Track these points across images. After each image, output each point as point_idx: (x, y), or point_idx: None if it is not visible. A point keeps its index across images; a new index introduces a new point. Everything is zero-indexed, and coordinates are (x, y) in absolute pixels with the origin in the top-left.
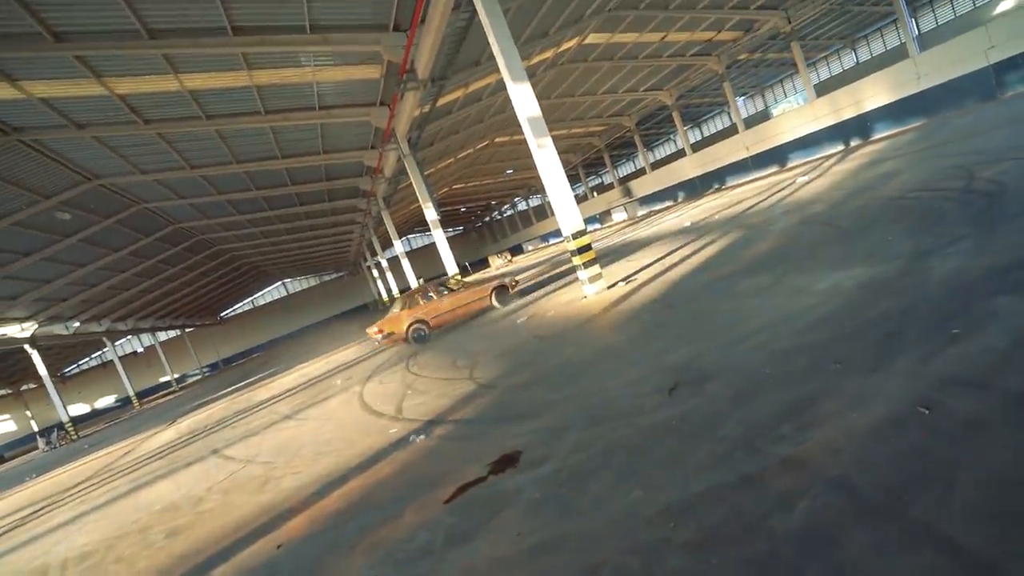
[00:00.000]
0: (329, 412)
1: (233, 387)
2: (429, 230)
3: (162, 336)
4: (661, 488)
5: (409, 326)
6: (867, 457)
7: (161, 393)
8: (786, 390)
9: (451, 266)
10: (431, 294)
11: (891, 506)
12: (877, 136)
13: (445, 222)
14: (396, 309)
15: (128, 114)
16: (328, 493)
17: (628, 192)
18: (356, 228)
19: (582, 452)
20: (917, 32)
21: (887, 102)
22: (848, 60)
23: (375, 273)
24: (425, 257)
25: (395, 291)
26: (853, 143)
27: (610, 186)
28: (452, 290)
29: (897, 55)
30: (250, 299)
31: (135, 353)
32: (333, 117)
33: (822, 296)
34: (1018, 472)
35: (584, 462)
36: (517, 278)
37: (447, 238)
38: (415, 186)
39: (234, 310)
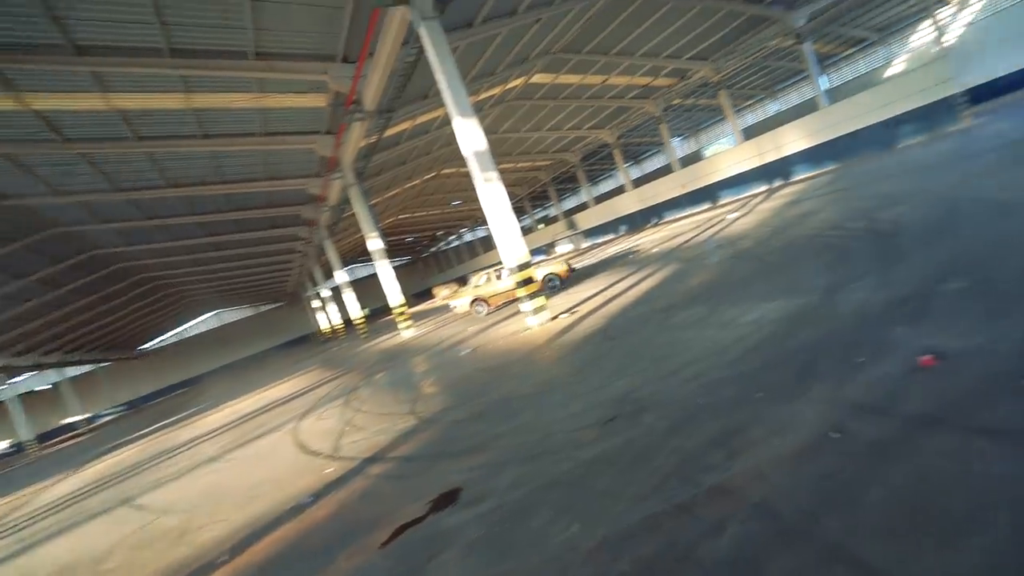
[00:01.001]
0: (261, 452)
1: (153, 427)
2: (372, 259)
3: (71, 372)
4: (599, 521)
5: (472, 301)
6: (787, 481)
7: (68, 435)
8: (716, 420)
9: (395, 296)
10: (488, 279)
11: (807, 528)
12: (797, 178)
13: (391, 252)
14: (465, 287)
15: (46, 132)
16: (254, 543)
17: (573, 225)
18: (297, 257)
19: (522, 487)
20: (828, 86)
21: (804, 148)
22: (771, 108)
23: (316, 303)
24: (369, 287)
25: (337, 322)
26: (776, 183)
27: (556, 218)
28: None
29: (812, 106)
30: (177, 331)
31: (33, 392)
32: (276, 144)
33: (749, 328)
34: (917, 491)
35: (523, 498)
36: (572, 263)
37: (393, 268)
38: (359, 216)
39: (159, 343)
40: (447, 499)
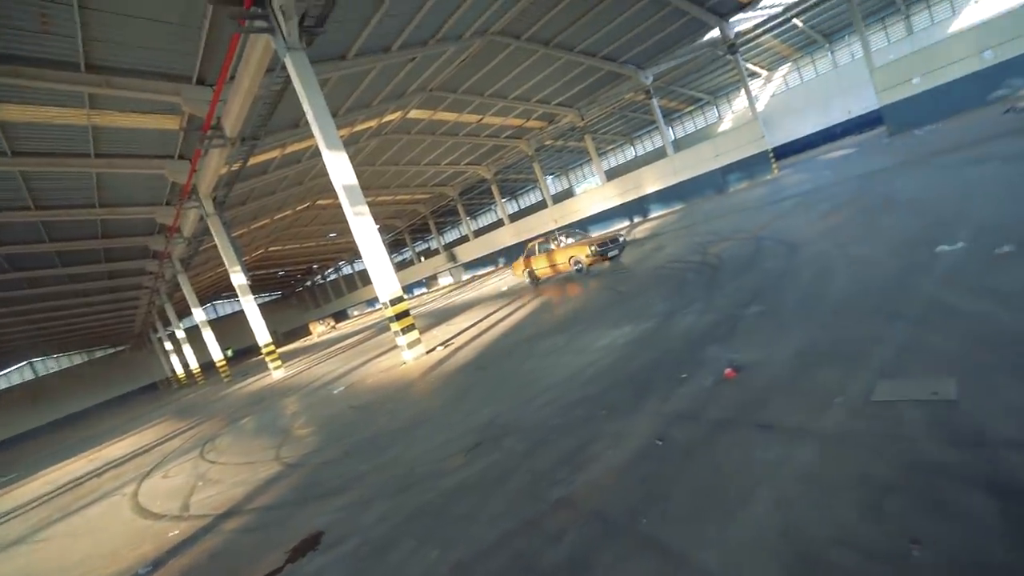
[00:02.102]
0: (86, 524)
1: None
2: (238, 295)
3: None
4: (457, 545)
5: (524, 271)
6: (618, 487)
7: None
8: (566, 438)
9: (262, 335)
10: (542, 247)
11: (630, 524)
12: (652, 215)
13: (260, 286)
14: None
15: None
16: None
17: (453, 257)
18: (144, 294)
19: (386, 522)
20: (675, 137)
21: (657, 189)
22: (631, 152)
23: (168, 346)
24: (234, 325)
25: (194, 365)
26: (636, 220)
27: (436, 251)
28: (550, 251)
29: (663, 153)
30: None
31: None
32: (116, 167)
33: (600, 353)
34: (711, 480)
35: (387, 532)
36: (605, 245)
37: (262, 304)
38: (220, 248)
39: None
40: (309, 544)
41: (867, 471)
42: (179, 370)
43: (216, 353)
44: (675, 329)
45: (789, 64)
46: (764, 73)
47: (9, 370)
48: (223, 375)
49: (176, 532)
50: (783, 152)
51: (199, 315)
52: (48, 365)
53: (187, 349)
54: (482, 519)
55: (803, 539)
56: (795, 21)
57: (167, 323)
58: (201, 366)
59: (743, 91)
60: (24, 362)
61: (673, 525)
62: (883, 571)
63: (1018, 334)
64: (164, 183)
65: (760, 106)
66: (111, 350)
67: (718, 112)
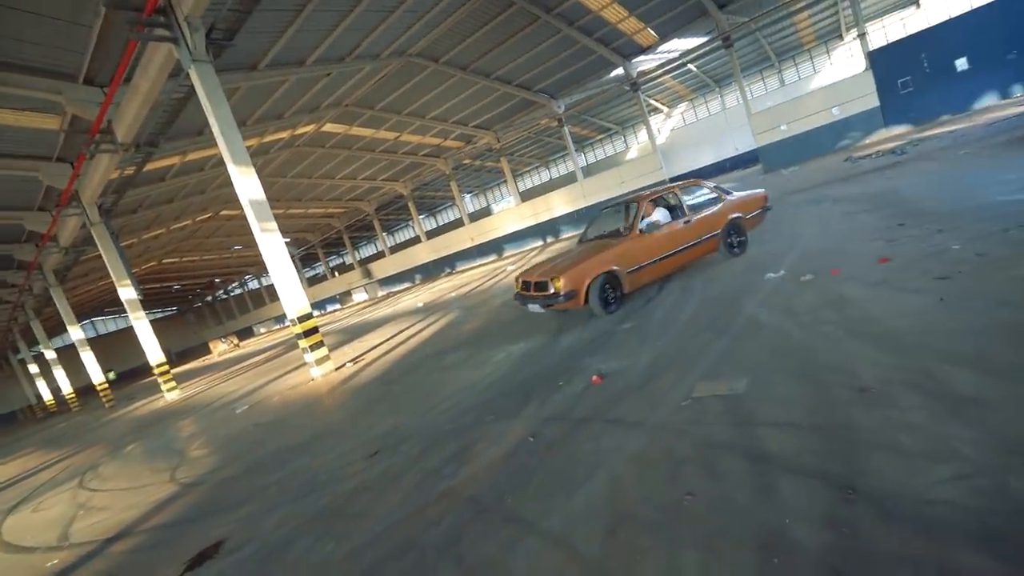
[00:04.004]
0: None
1: None
2: (126, 311)
3: None
4: (351, 537)
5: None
6: (492, 477)
7: None
8: (456, 440)
9: (155, 353)
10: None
11: (497, 506)
12: (564, 236)
13: (152, 302)
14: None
15: None
16: None
17: (368, 273)
18: (4, 309)
19: (286, 526)
20: (585, 163)
21: (568, 211)
22: (545, 175)
23: (33, 368)
24: (121, 343)
25: (66, 389)
26: (549, 239)
27: (351, 267)
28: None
29: (573, 178)
30: None
31: None
32: None
33: (497, 365)
34: (565, 466)
35: (286, 535)
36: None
37: (154, 320)
38: (107, 260)
39: None
40: (208, 554)
41: (673, 449)
42: (47, 396)
43: (97, 375)
44: (561, 344)
45: (686, 103)
46: (665, 109)
47: None
48: (105, 400)
49: (55, 562)
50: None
51: (76, 333)
52: None
53: (59, 372)
54: (376, 514)
55: (623, 502)
56: (690, 66)
57: (33, 342)
58: (76, 391)
59: (648, 125)
60: None
61: (531, 502)
62: (664, 515)
63: (794, 344)
64: (38, 186)
65: (661, 139)
66: None
67: (626, 141)
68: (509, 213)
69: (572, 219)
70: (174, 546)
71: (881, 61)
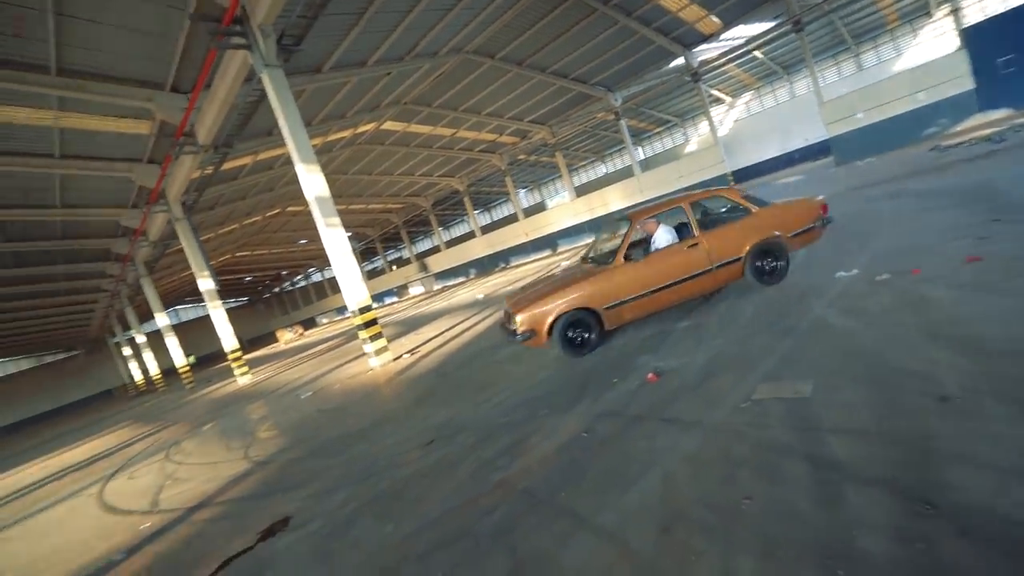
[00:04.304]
0: (51, 523)
1: None
2: (204, 300)
3: None
4: (409, 520)
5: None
6: (546, 470)
7: None
8: (510, 433)
9: (229, 340)
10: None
11: (551, 498)
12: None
13: (226, 292)
14: None
15: None
16: None
17: (424, 268)
18: (103, 297)
19: (348, 506)
20: (643, 156)
21: (624, 206)
22: (601, 169)
23: (127, 351)
24: (199, 330)
25: (154, 371)
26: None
27: (408, 261)
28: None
29: (630, 172)
30: None
31: None
32: (80, 169)
33: (551, 360)
34: (619, 462)
35: (348, 514)
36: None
37: (228, 309)
38: (188, 253)
39: None
40: (278, 527)
41: (731, 451)
42: (138, 376)
43: (179, 359)
44: (615, 340)
45: (751, 92)
46: (728, 99)
47: None
48: (186, 382)
49: (148, 524)
50: (745, 175)
51: (162, 320)
52: None
53: (147, 355)
54: (432, 499)
55: (677, 501)
56: (756, 53)
57: (127, 327)
58: (162, 372)
59: (709, 117)
60: None
61: (584, 497)
62: (720, 517)
63: (866, 347)
64: (131, 186)
65: (724, 130)
66: (63, 355)
67: (685, 134)
68: (563, 208)
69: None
70: (247, 517)
71: (978, 38)
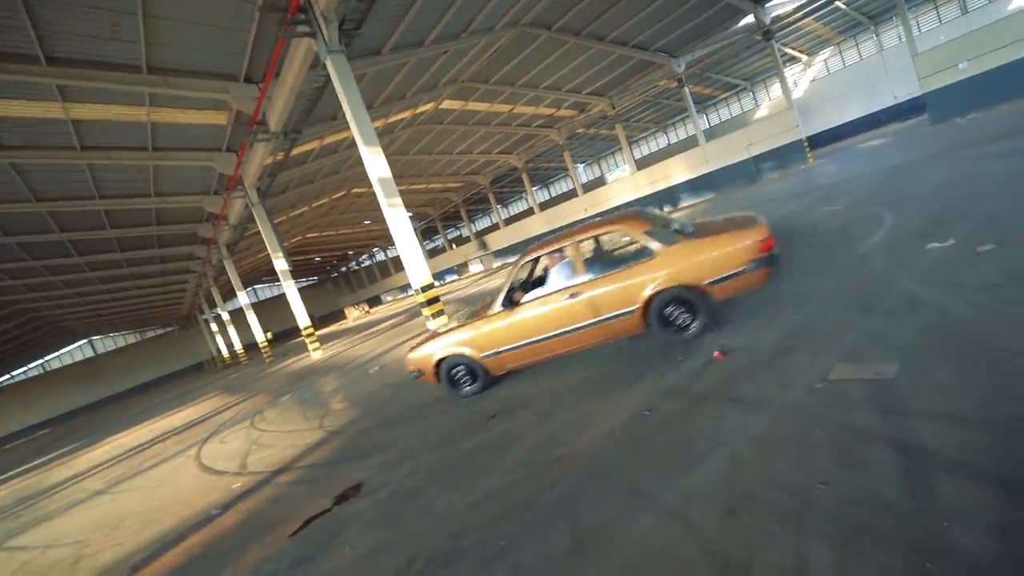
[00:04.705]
0: (158, 479)
1: (13, 472)
2: (279, 280)
3: None
4: (473, 490)
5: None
6: (608, 446)
7: None
8: (571, 408)
9: (303, 317)
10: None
11: (613, 473)
12: (683, 204)
13: (298, 272)
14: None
15: None
16: (163, 554)
17: (484, 245)
18: (192, 277)
19: (416, 476)
20: (708, 125)
21: (687, 178)
22: (663, 141)
23: (214, 327)
24: (274, 308)
25: (238, 346)
26: (665, 209)
27: (467, 239)
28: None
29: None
30: (40, 362)
31: None
32: (169, 159)
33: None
34: (683, 441)
35: (416, 483)
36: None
37: (300, 288)
38: (264, 235)
39: (12, 377)
40: (351, 492)
41: (805, 433)
42: (224, 351)
43: (259, 335)
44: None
45: (831, 48)
46: (804, 57)
47: (72, 347)
48: (265, 356)
49: (238, 484)
50: (823, 140)
51: (243, 298)
52: (105, 344)
53: (231, 330)
54: (495, 471)
55: (745, 483)
56: (837, 3)
57: (213, 305)
58: (244, 347)
59: (782, 78)
60: (84, 340)
61: (647, 474)
62: (792, 501)
63: (962, 324)
64: (212, 174)
65: (799, 92)
66: (161, 331)
67: (755, 98)
68: (624, 182)
69: (693, 186)
70: (324, 482)
71: None
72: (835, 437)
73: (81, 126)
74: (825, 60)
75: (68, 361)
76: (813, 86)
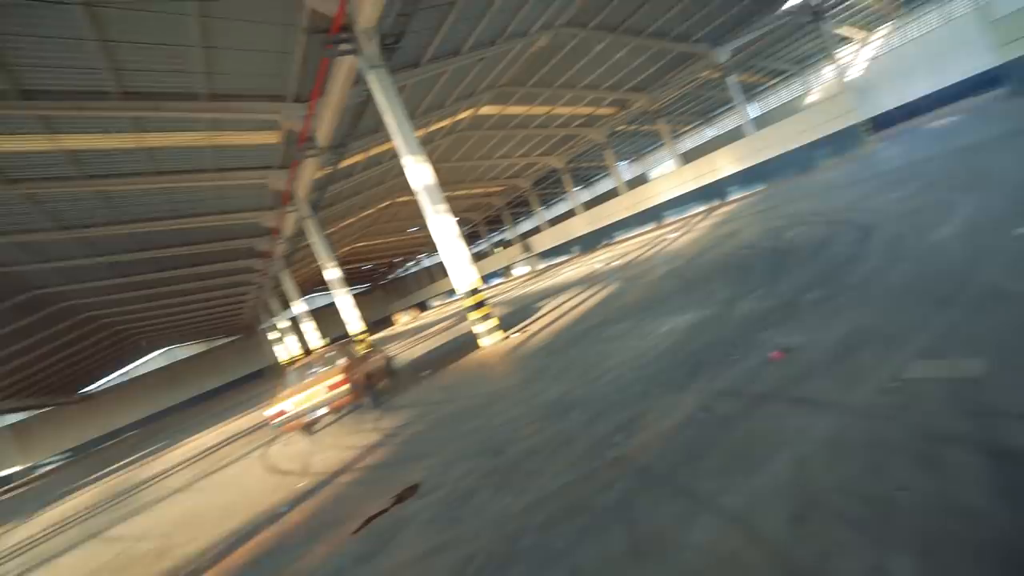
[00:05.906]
0: (229, 479)
1: (107, 470)
2: (331, 288)
3: (4, 420)
4: (527, 492)
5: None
6: (663, 449)
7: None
8: (624, 409)
9: (356, 323)
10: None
11: (667, 477)
12: (731, 199)
13: (349, 280)
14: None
15: None
16: (237, 548)
17: (527, 248)
18: (252, 289)
19: (470, 477)
20: (759, 112)
21: (736, 170)
22: (708, 133)
23: (274, 335)
24: (329, 316)
25: (297, 352)
26: (714, 204)
27: (511, 242)
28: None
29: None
30: (124, 370)
31: None
32: (229, 179)
33: (662, 337)
34: (745, 446)
35: (470, 484)
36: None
37: (352, 296)
38: (315, 246)
39: (102, 385)
40: (408, 492)
41: (878, 436)
42: (284, 357)
43: (316, 341)
44: (734, 315)
45: (890, 23)
46: (859, 35)
47: (150, 357)
48: None
49: (303, 484)
50: (885, 121)
51: (299, 307)
52: (179, 353)
53: (290, 338)
54: (548, 473)
55: (812, 488)
56: None
57: (272, 314)
58: (304, 352)
59: (835, 59)
60: (161, 350)
61: (704, 477)
62: (867, 508)
63: None
64: (267, 191)
65: (856, 72)
66: (227, 339)
67: (806, 83)
68: (668, 178)
69: (742, 179)
70: (382, 483)
71: None
72: (912, 440)
73: (154, 154)
74: (885, 36)
75: (147, 369)
76: (872, 64)
